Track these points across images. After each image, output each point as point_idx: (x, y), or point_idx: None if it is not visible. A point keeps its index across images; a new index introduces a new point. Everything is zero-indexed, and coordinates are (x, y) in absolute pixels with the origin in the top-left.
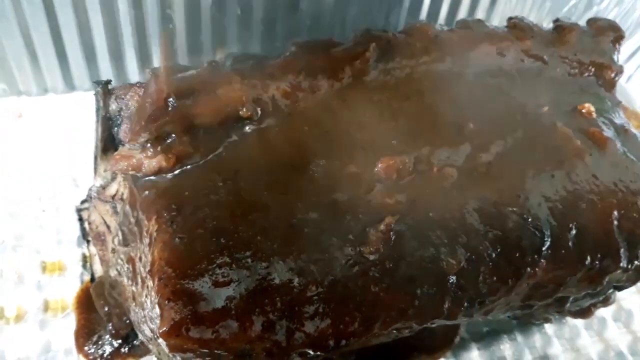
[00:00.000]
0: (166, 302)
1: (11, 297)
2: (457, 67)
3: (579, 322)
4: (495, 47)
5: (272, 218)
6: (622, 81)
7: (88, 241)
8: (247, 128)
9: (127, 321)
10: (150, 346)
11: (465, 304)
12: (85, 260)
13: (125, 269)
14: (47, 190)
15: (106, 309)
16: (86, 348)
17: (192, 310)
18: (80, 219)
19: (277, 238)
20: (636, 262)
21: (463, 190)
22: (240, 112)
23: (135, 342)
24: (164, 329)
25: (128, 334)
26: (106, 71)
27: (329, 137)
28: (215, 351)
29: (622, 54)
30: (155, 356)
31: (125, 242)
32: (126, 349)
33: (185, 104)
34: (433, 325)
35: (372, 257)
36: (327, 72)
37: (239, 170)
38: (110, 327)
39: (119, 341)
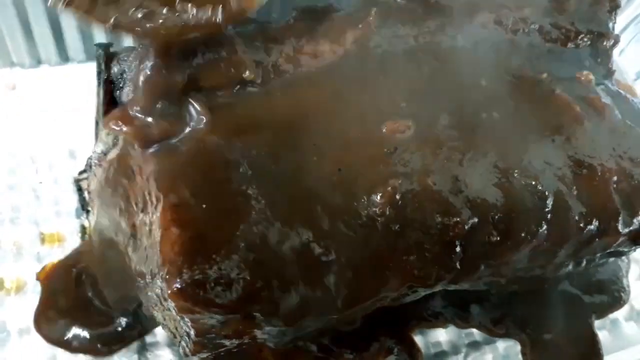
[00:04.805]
0: (174, 262)
1: (10, 269)
2: (457, 34)
3: None
4: (494, 15)
5: (278, 181)
6: (614, 54)
7: (87, 211)
8: (251, 91)
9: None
10: (155, 313)
11: (471, 266)
12: (84, 232)
13: (128, 235)
14: (43, 162)
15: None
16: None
17: (201, 270)
18: (79, 189)
19: (284, 201)
20: (632, 228)
21: (466, 153)
22: (244, 75)
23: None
24: (173, 288)
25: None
26: None
27: (332, 102)
28: (225, 313)
29: (615, 28)
30: (161, 323)
31: (126, 208)
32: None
33: (188, 66)
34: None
35: (377, 220)
36: (329, 37)
37: (244, 133)
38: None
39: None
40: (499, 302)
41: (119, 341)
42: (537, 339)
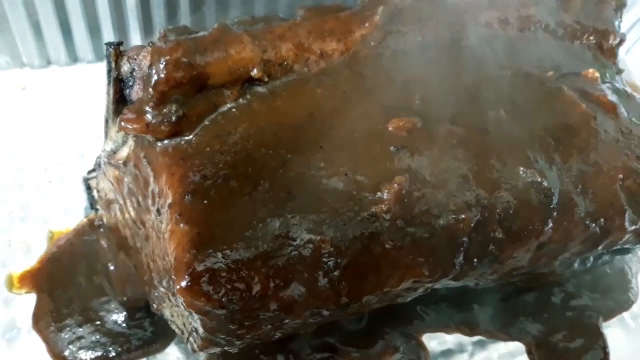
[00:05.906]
0: (183, 257)
1: (20, 267)
2: (464, 32)
3: None
4: (500, 14)
5: (285, 178)
6: (621, 53)
7: (96, 210)
8: (259, 89)
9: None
10: (163, 310)
11: (475, 263)
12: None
13: (138, 232)
14: (52, 162)
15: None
16: None
17: (209, 266)
18: (89, 188)
19: (291, 198)
20: (638, 225)
21: (472, 150)
22: (252, 74)
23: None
24: (182, 284)
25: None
26: None
27: (338, 101)
28: (233, 308)
29: (621, 27)
30: (168, 320)
31: (136, 206)
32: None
33: (198, 64)
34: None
35: (384, 216)
36: (336, 36)
37: (252, 131)
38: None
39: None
40: (504, 306)
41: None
42: (543, 341)
